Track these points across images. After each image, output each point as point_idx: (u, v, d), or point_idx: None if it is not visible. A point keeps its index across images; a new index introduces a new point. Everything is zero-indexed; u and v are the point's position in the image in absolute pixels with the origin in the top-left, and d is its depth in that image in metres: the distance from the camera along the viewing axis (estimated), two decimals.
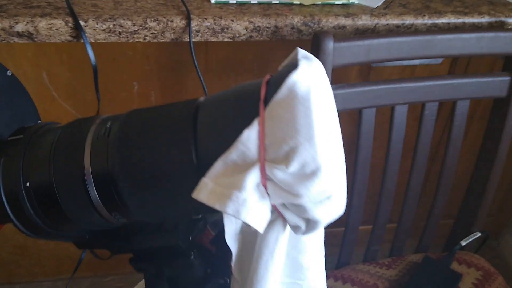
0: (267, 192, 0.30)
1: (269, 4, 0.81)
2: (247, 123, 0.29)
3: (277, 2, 0.81)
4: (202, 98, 0.34)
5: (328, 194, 0.29)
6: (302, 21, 0.77)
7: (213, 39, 0.77)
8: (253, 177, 0.29)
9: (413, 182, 0.90)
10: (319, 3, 0.81)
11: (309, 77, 0.29)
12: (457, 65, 1.14)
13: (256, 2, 0.81)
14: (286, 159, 0.28)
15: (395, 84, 0.80)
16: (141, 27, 0.74)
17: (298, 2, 0.81)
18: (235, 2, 0.80)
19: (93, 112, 1.09)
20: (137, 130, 0.34)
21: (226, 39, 0.77)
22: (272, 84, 0.30)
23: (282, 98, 0.28)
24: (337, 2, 0.82)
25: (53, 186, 0.35)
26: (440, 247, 1.02)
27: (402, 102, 0.82)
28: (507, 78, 0.83)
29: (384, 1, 0.85)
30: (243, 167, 0.29)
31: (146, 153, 0.33)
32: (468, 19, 0.84)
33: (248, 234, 0.35)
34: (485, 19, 0.84)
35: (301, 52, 0.32)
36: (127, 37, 0.74)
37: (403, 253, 0.99)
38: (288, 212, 0.31)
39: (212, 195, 0.29)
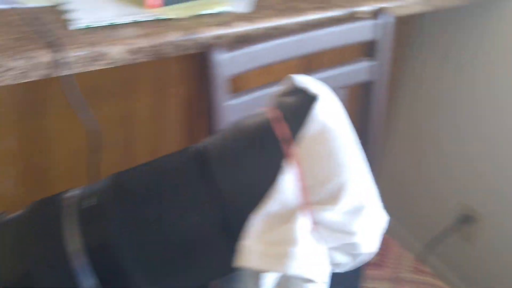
0: (319, 237, 0.27)
1: (140, 22, 0.75)
2: (274, 167, 0.26)
3: (149, 19, 0.76)
4: (199, 146, 0.30)
5: (378, 224, 0.27)
6: (182, 36, 0.74)
7: (91, 68, 0.69)
8: (302, 225, 0.26)
9: None
10: (192, 14, 0.78)
11: (332, 105, 0.27)
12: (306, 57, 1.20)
13: (124, 22, 0.74)
14: (334, 198, 0.26)
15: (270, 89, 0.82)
16: (2, 68, 0.62)
17: (171, 17, 0.77)
18: (100, 25, 0.73)
19: None
20: (139, 199, 0.28)
21: (104, 67, 0.70)
22: (286, 119, 0.28)
23: (314, 133, 0.26)
24: (209, 12, 0.80)
25: None
26: None
27: None
28: (370, 64, 0.91)
29: (251, 6, 0.86)
30: (287, 217, 0.26)
31: (158, 225, 0.27)
32: (327, 14, 0.89)
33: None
34: (341, 12, 0.90)
35: (297, 78, 0.30)
36: None
37: None
38: (335, 251, 0.29)
39: (265, 258, 0.25)
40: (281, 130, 0.27)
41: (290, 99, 0.29)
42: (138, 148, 1.08)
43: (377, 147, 0.99)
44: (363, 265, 0.94)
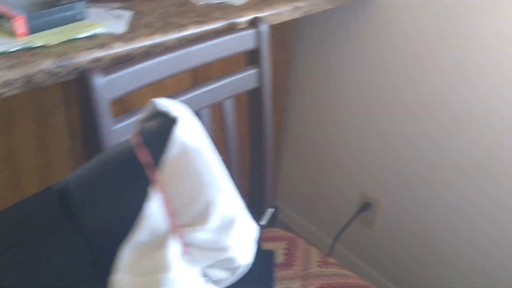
0: (192, 259, 0.27)
1: (7, 53, 0.71)
2: (140, 195, 0.26)
3: (17, 49, 0.71)
4: (62, 184, 0.28)
5: (249, 235, 0.28)
6: (55, 63, 0.70)
7: None
8: (173, 250, 0.26)
9: None
10: (64, 40, 0.75)
11: (192, 126, 0.27)
12: (197, 71, 1.21)
13: None
14: (203, 217, 0.26)
15: None
16: None
17: (40, 44, 0.73)
18: None
19: None
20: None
21: None
22: (149, 145, 0.27)
23: (177, 156, 0.26)
24: (83, 35, 0.77)
25: None
26: None
27: None
28: (254, 71, 0.93)
29: (128, 26, 0.84)
30: (157, 244, 0.26)
31: (24, 273, 0.26)
32: (207, 27, 0.90)
33: None
34: (220, 24, 0.91)
35: (158, 102, 0.30)
36: None
37: None
38: (212, 269, 0.29)
39: None
40: (144, 156, 0.27)
41: (151, 124, 0.29)
42: (26, 183, 1.01)
43: (271, 148, 1.02)
44: (274, 268, 0.95)
